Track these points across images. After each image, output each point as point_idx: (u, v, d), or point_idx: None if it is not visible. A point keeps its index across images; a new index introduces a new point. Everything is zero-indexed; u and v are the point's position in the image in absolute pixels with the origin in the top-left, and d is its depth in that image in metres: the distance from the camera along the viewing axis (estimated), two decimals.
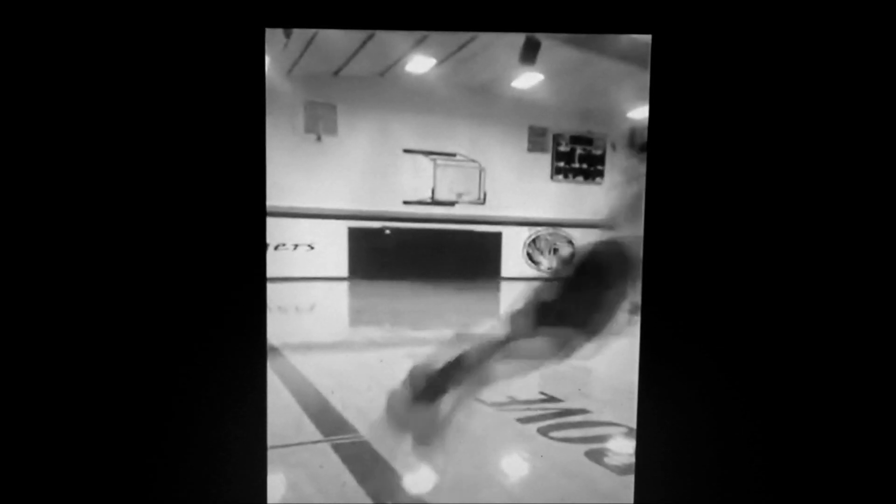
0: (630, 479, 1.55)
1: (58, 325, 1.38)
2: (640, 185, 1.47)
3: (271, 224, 1.48)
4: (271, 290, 1.51)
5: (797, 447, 1.48)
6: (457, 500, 2.11)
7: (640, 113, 1.56)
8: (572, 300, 2.80)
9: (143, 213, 1.37)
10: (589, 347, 2.72)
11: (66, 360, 1.39)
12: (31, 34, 1.33)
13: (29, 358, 1.38)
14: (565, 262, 3.18)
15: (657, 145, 1.41)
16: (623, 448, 2.41)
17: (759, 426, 1.48)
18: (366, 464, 2.30)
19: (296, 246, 3.53)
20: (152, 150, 1.36)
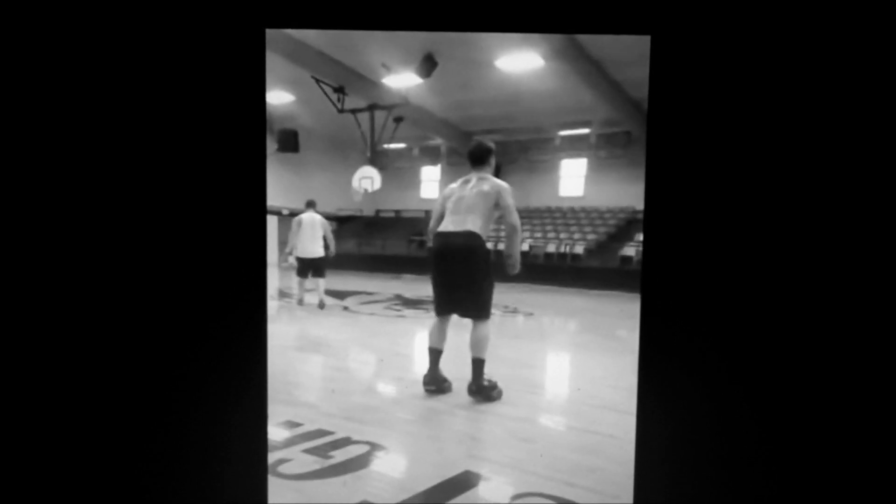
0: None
1: (59, 325, 1.39)
2: None
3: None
4: None
5: (799, 446, 1.45)
6: None
7: None
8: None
9: (143, 212, 1.37)
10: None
11: (67, 361, 1.39)
12: (31, 34, 1.33)
13: (30, 359, 1.38)
14: None
15: (657, 144, 1.40)
16: None
17: (761, 425, 1.46)
18: None
19: None
20: (152, 150, 1.37)
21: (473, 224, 3.11)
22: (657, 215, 1.43)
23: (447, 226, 3.17)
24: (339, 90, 8.96)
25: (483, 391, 3.07)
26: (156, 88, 1.36)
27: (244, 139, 1.38)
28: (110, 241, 1.38)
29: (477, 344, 3.14)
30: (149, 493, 1.44)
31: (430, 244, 3.45)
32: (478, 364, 3.10)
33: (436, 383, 3.19)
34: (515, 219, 3.14)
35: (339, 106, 9.19)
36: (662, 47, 1.37)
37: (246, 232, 1.39)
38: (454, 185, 3.26)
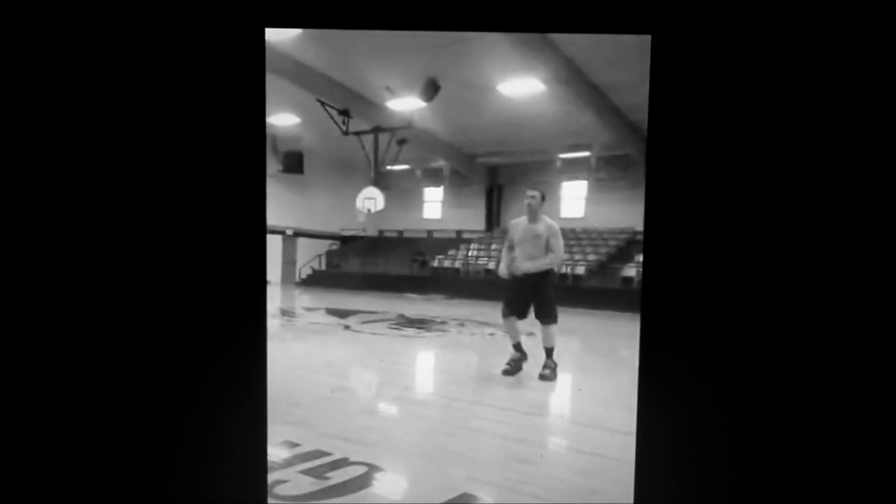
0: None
1: (61, 326, 1.40)
2: None
3: None
4: None
5: (799, 446, 1.44)
6: None
7: None
8: None
9: (142, 212, 1.38)
10: None
11: (69, 362, 1.40)
12: (32, 34, 1.35)
13: (32, 361, 1.40)
14: None
15: (657, 143, 1.41)
16: None
17: (761, 425, 1.45)
18: None
19: None
20: (152, 149, 1.37)
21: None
22: (657, 213, 1.43)
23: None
24: (344, 113, 9.06)
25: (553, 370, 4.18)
26: (156, 86, 1.37)
27: (244, 137, 1.38)
28: (114, 239, 1.39)
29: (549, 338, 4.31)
30: (149, 493, 1.45)
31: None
32: (549, 352, 4.23)
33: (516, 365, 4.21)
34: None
35: (344, 128, 9.28)
36: (663, 46, 1.38)
37: (246, 230, 1.40)
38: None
